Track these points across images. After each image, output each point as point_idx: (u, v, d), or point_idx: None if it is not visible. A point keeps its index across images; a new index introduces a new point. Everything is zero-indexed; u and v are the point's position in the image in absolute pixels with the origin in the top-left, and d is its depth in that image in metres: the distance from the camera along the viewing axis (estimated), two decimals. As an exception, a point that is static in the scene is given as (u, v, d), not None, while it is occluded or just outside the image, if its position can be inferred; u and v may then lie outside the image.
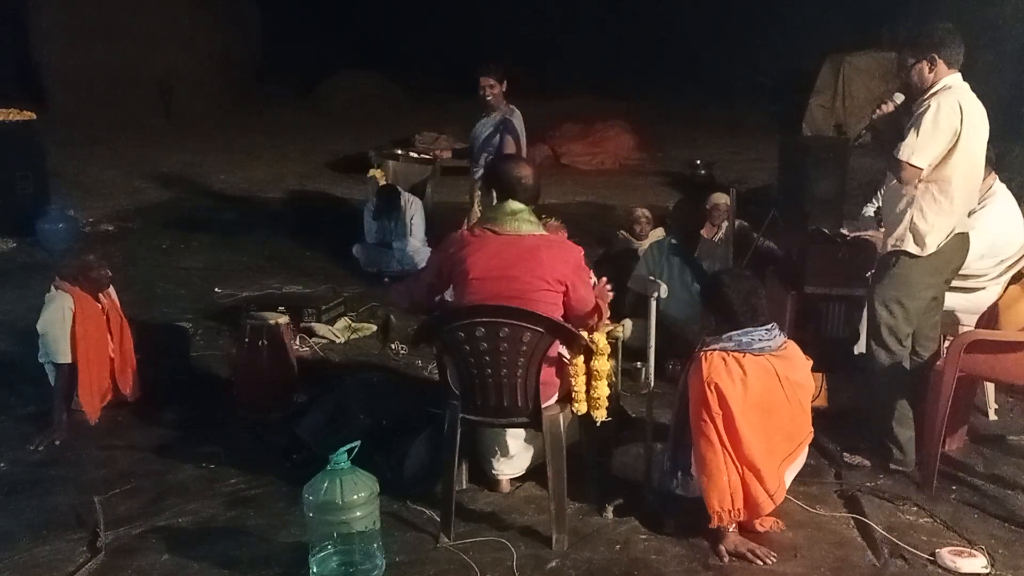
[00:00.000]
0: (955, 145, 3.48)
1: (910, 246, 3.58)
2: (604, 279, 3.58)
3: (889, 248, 3.66)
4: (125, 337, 4.44)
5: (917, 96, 3.59)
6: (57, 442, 4.07)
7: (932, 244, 3.57)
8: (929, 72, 3.53)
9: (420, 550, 3.16)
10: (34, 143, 8.03)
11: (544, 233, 3.33)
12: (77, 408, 4.23)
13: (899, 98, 3.64)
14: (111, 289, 4.46)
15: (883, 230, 4.92)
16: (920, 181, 3.52)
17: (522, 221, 3.25)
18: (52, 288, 4.27)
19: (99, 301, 4.34)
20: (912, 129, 3.47)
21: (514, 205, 3.27)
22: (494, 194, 3.35)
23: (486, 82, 5.82)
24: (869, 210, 5.50)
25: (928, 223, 3.55)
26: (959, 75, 3.55)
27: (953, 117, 3.45)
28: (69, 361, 4.14)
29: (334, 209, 9.12)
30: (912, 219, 3.57)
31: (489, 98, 5.83)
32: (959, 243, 3.66)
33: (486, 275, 3.18)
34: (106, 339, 4.32)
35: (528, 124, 6.03)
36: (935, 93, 3.50)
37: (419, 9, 18.00)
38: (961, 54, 3.54)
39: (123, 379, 4.39)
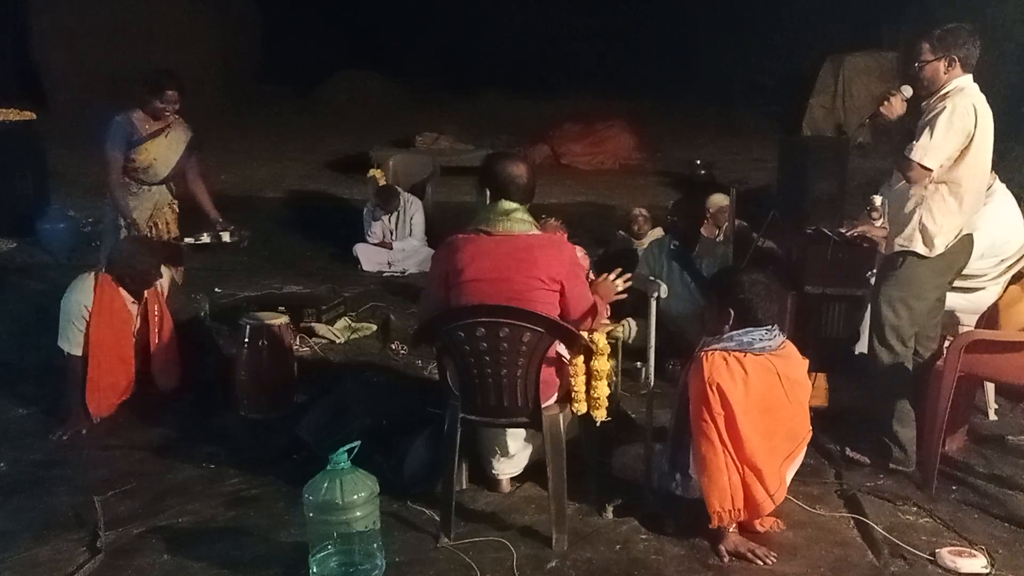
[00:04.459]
0: (967, 147, 3.47)
1: (918, 247, 3.58)
2: (609, 274, 3.53)
3: (896, 248, 3.65)
4: (165, 329, 4.40)
5: (926, 94, 3.58)
6: (84, 431, 4.10)
7: (940, 245, 3.56)
8: (945, 72, 3.51)
9: (420, 550, 3.15)
10: (34, 143, 8.04)
11: (537, 232, 3.31)
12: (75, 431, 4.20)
13: (907, 91, 3.61)
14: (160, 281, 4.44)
15: (876, 223, 4.92)
16: (931, 182, 3.52)
17: (515, 221, 3.22)
18: (85, 274, 4.24)
19: (137, 296, 4.30)
20: (926, 129, 3.45)
21: (507, 205, 3.24)
22: (487, 193, 3.31)
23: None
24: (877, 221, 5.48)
25: (937, 224, 3.54)
26: (970, 77, 3.55)
27: (967, 119, 3.44)
28: (78, 355, 4.14)
29: (334, 209, 9.12)
30: (921, 219, 3.56)
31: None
32: (964, 244, 3.66)
33: (480, 277, 3.16)
34: (128, 338, 4.27)
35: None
36: (948, 94, 3.49)
37: (419, 9, 17.99)
38: (976, 58, 3.54)
39: (163, 373, 4.39)
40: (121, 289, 4.26)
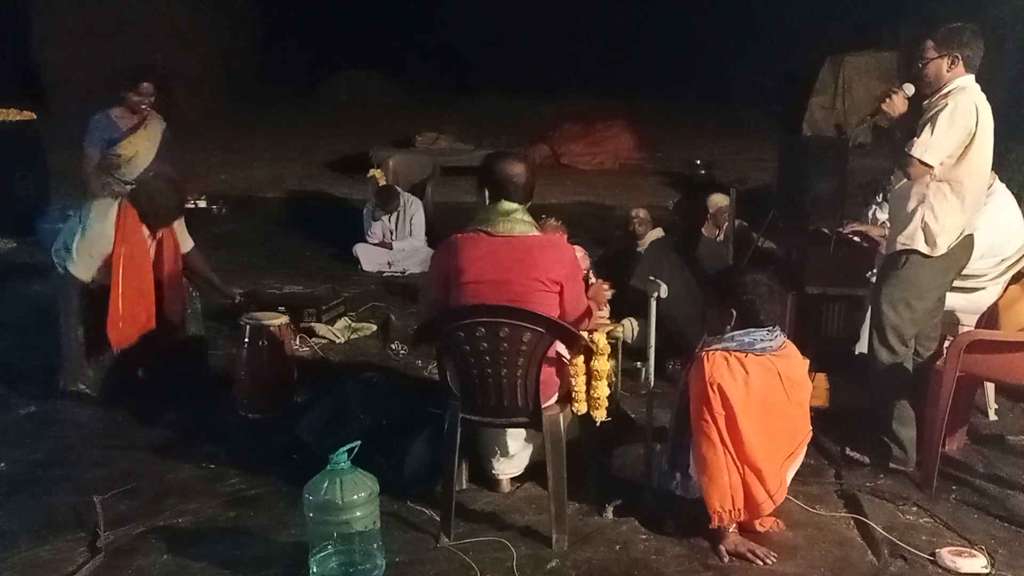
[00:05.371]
0: (969, 146, 3.48)
1: (920, 245, 3.57)
2: (600, 280, 3.55)
3: (898, 247, 3.64)
4: (176, 264, 4.47)
5: (928, 92, 3.58)
6: (83, 386, 4.15)
7: (943, 245, 3.56)
8: (947, 71, 3.51)
9: (420, 550, 3.15)
10: (34, 143, 8.03)
11: (537, 233, 3.30)
12: (77, 388, 4.30)
13: (909, 89, 3.61)
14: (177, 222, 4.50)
15: (878, 224, 4.91)
16: (933, 180, 3.52)
17: (515, 221, 3.22)
18: (109, 201, 4.25)
19: (154, 231, 4.35)
20: (927, 126, 3.45)
21: (507, 205, 3.23)
22: (486, 193, 3.30)
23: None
24: (881, 215, 5.47)
25: (940, 223, 3.54)
26: (973, 77, 3.55)
27: (969, 118, 3.45)
28: (86, 280, 4.16)
29: (334, 209, 9.12)
30: (923, 218, 3.56)
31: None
32: (966, 244, 3.66)
33: (481, 278, 3.15)
34: (147, 272, 4.31)
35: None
36: (950, 92, 3.49)
37: (419, 9, 18.00)
38: (979, 59, 3.54)
39: (172, 308, 4.43)
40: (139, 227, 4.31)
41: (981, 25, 3.68)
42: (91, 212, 4.27)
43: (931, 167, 3.47)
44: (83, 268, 4.21)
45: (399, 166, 8.59)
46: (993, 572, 3.03)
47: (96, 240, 4.19)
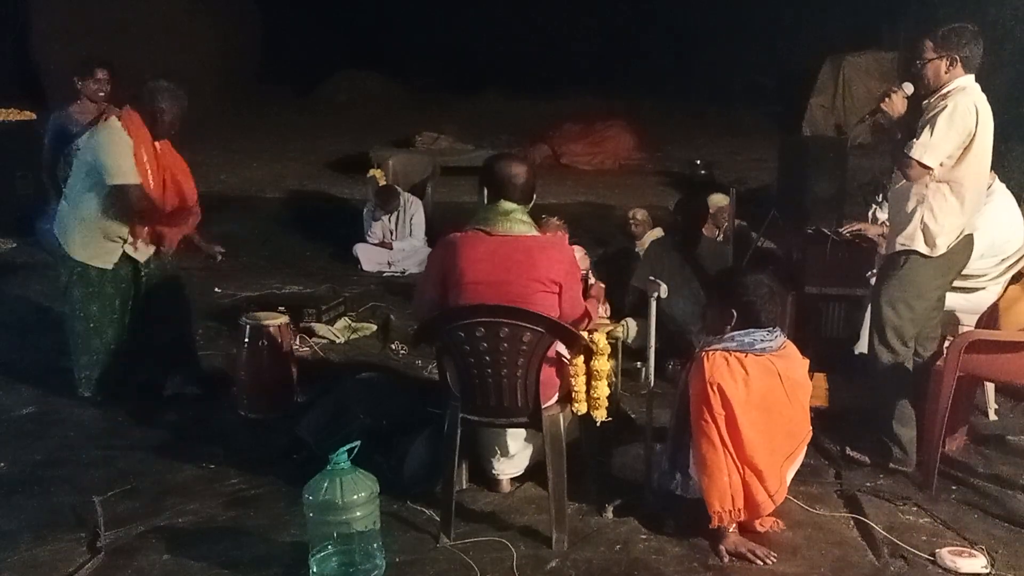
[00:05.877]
0: (969, 146, 3.47)
1: (920, 246, 3.57)
2: (599, 283, 3.54)
3: (897, 247, 3.64)
4: (188, 183, 4.46)
5: (927, 92, 3.58)
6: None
7: (943, 245, 3.56)
8: (945, 72, 3.51)
9: (420, 550, 3.15)
10: (34, 143, 8.02)
11: (537, 234, 3.30)
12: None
13: (908, 88, 3.61)
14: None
15: (878, 224, 4.91)
16: (932, 180, 3.52)
17: (515, 222, 3.21)
18: (111, 121, 4.24)
19: (155, 139, 4.33)
20: (926, 127, 3.45)
21: (506, 205, 3.23)
22: (486, 192, 3.30)
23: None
24: (881, 215, 5.48)
25: (939, 223, 3.54)
26: (972, 77, 3.54)
27: (968, 118, 3.44)
28: (137, 181, 4.14)
29: (334, 209, 9.13)
30: (923, 219, 3.56)
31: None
32: (966, 244, 3.66)
33: (480, 279, 3.15)
34: (156, 175, 4.29)
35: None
36: (949, 93, 3.49)
37: (419, 9, 18.01)
38: (979, 59, 3.53)
39: (178, 217, 4.42)
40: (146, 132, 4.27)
41: (981, 26, 3.67)
42: (105, 134, 4.21)
43: (930, 168, 3.47)
44: (132, 172, 4.12)
45: (399, 166, 8.60)
46: (993, 572, 3.03)
47: (125, 149, 4.13)
